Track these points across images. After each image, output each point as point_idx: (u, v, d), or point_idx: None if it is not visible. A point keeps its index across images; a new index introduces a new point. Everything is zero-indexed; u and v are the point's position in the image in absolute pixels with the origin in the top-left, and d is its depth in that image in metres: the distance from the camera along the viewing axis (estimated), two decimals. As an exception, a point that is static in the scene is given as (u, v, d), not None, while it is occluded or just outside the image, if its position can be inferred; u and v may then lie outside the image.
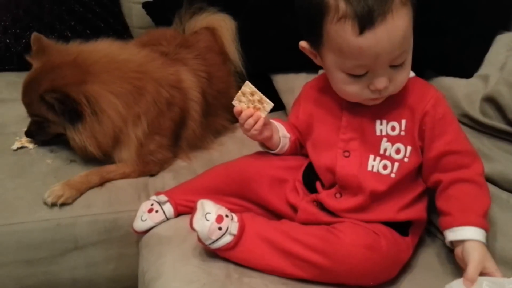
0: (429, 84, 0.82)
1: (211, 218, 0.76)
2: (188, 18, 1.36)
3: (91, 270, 1.00)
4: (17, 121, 1.12)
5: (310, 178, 0.87)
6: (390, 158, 0.79)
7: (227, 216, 0.77)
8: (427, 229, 0.93)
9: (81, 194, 0.99)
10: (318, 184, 0.86)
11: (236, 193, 0.90)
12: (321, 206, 0.84)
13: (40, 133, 1.06)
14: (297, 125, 0.90)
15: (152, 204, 0.93)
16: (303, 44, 0.80)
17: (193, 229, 0.76)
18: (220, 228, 0.76)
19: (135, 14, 1.52)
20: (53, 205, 0.94)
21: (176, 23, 1.37)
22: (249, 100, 0.83)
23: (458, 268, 0.84)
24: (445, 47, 0.98)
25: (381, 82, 0.72)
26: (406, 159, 0.79)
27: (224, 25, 1.31)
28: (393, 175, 0.78)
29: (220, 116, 1.24)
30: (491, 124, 0.88)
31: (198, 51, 1.22)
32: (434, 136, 0.78)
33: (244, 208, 0.90)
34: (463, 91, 0.94)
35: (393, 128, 0.79)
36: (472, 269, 0.69)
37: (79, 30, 1.36)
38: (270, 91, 1.27)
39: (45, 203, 0.95)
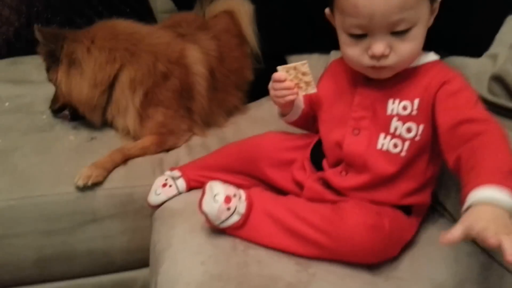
0: (451, 67, 0.79)
1: (220, 200, 0.76)
2: (208, 3, 1.38)
3: (107, 242, 1.02)
4: (43, 100, 1.17)
5: (318, 156, 0.87)
6: (400, 137, 0.77)
7: (235, 195, 0.77)
8: (433, 207, 0.92)
9: (109, 172, 1.01)
10: (324, 162, 0.86)
11: (245, 171, 0.92)
12: (327, 184, 0.84)
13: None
14: (314, 98, 0.89)
15: (166, 179, 0.95)
16: (327, 11, 0.80)
17: (202, 212, 0.77)
18: (228, 209, 0.76)
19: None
20: (85, 186, 0.96)
21: (197, 7, 1.39)
22: (296, 77, 0.82)
23: (463, 242, 0.82)
24: (454, 26, 0.96)
25: (378, 47, 0.71)
26: (417, 138, 0.76)
27: (241, 8, 1.32)
28: (403, 154, 0.76)
29: (232, 94, 1.26)
30: (498, 103, 0.86)
31: (214, 33, 1.24)
32: (448, 108, 0.73)
33: (252, 184, 0.91)
34: (472, 70, 0.92)
35: (404, 108, 0.77)
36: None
37: (105, 15, 1.39)
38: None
39: (77, 187, 0.96)
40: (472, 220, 0.55)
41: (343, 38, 0.76)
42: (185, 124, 1.15)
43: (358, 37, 0.73)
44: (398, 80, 0.77)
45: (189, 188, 0.95)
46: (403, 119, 0.76)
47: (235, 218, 0.77)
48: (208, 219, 0.77)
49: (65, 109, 1.16)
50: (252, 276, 0.73)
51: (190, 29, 1.22)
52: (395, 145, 0.77)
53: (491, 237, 0.52)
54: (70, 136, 1.08)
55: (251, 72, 1.33)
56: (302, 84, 0.82)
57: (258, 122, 1.16)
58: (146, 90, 1.09)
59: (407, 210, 0.81)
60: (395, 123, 0.77)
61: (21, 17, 1.41)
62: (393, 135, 0.77)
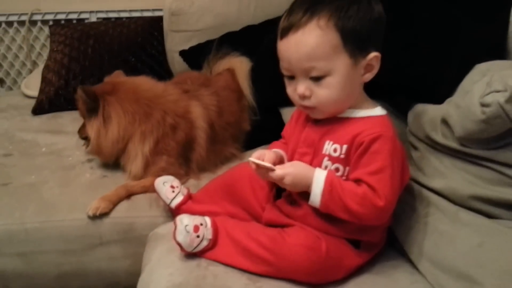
0: (388, 125, 0.89)
1: (190, 230, 0.92)
2: (214, 62, 1.64)
3: (112, 264, 1.23)
4: (72, 146, 1.46)
5: (280, 187, 0.99)
6: None
7: (201, 224, 0.94)
8: (392, 243, 1.03)
9: (114, 205, 1.23)
10: (284, 194, 1.00)
11: (227, 195, 1.08)
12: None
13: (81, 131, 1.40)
14: (285, 136, 1.06)
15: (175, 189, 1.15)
16: None
17: (177, 242, 0.92)
18: (198, 236, 0.92)
19: (177, 61, 1.83)
20: (94, 215, 1.19)
21: (205, 66, 1.66)
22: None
23: (410, 274, 0.95)
24: (419, 76, 1.08)
25: (299, 88, 0.86)
26: (344, 178, 0.90)
27: (240, 65, 1.56)
28: None
29: (229, 145, 1.45)
30: (444, 143, 0.96)
31: (215, 89, 1.47)
32: (360, 164, 0.86)
33: (231, 214, 1.06)
34: (429, 116, 1.02)
35: (335, 150, 0.89)
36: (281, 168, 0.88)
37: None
38: (278, 122, 1.48)
39: (88, 216, 1.20)
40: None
41: (284, 79, 0.91)
42: (182, 170, 1.35)
43: (290, 78, 0.88)
44: (338, 124, 0.91)
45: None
46: (333, 159, 0.89)
47: (204, 243, 0.93)
48: (182, 248, 0.93)
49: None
50: (206, 286, 0.89)
51: (194, 86, 1.46)
52: None
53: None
54: (87, 174, 1.35)
55: (248, 124, 1.53)
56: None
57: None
58: (157, 139, 1.30)
59: (355, 243, 0.93)
60: (326, 161, 0.90)
61: (60, 79, 1.74)
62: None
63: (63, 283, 1.26)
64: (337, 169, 0.90)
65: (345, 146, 0.88)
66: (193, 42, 1.80)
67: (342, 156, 0.89)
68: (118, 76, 1.43)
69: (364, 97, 0.94)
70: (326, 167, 0.91)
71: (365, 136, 0.86)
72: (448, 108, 0.96)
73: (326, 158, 0.91)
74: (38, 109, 1.75)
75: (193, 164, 1.39)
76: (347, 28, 0.82)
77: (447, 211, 0.94)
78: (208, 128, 1.39)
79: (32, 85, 1.87)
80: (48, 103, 1.74)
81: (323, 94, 0.86)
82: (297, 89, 0.88)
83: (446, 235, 0.92)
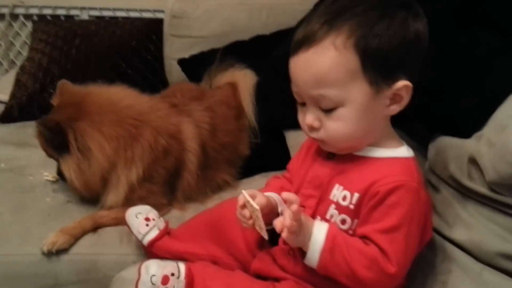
0: (413, 172, 0.80)
1: (157, 281, 0.84)
2: (216, 74, 1.55)
3: None
4: (36, 163, 1.35)
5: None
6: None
7: (172, 274, 0.85)
8: None
9: (76, 239, 1.12)
10: (281, 239, 0.90)
11: (212, 235, 1.00)
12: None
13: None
14: (290, 170, 0.98)
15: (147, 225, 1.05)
16: None
17: None
18: None
19: (175, 70, 1.74)
20: (49, 252, 1.08)
21: (205, 78, 1.57)
22: (253, 212, 0.84)
23: None
24: (442, 104, 1.00)
25: (308, 118, 0.79)
26: (351, 232, 0.80)
27: (244, 79, 1.47)
28: None
29: (222, 171, 1.34)
30: (471, 187, 0.88)
31: (208, 104, 1.37)
32: (370, 218, 0.77)
33: (215, 257, 0.98)
34: (455, 152, 0.95)
35: (344, 198, 0.81)
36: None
37: (118, 83, 1.59)
38: (282, 147, 1.36)
39: (42, 252, 1.08)
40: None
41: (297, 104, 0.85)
42: (165, 199, 1.24)
43: (301, 105, 0.81)
44: (353, 164, 0.82)
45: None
46: (340, 209, 0.81)
47: None
48: None
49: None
50: None
51: (184, 99, 1.36)
52: None
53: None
54: (47, 198, 1.24)
55: (247, 147, 1.42)
56: (258, 222, 0.83)
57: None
58: (147, 165, 1.18)
59: None
60: (332, 210, 0.82)
61: (35, 83, 1.64)
62: (329, 222, 0.81)
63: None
64: (343, 221, 0.81)
65: (356, 195, 0.80)
66: (195, 50, 1.72)
67: (351, 206, 0.80)
68: (64, 87, 1.25)
69: (388, 132, 0.85)
70: (331, 217, 0.82)
71: (382, 185, 0.77)
72: (478, 145, 0.89)
73: (332, 206, 0.82)
74: (6, 117, 1.66)
75: (178, 193, 1.28)
76: (370, 49, 0.73)
77: (469, 270, 0.88)
78: (200, 152, 1.29)
79: (6, 88, 1.78)
80: (18, 110, 1.66)
81: (334, 128, 0.78)
82: (306, 118, 0.80)
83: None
